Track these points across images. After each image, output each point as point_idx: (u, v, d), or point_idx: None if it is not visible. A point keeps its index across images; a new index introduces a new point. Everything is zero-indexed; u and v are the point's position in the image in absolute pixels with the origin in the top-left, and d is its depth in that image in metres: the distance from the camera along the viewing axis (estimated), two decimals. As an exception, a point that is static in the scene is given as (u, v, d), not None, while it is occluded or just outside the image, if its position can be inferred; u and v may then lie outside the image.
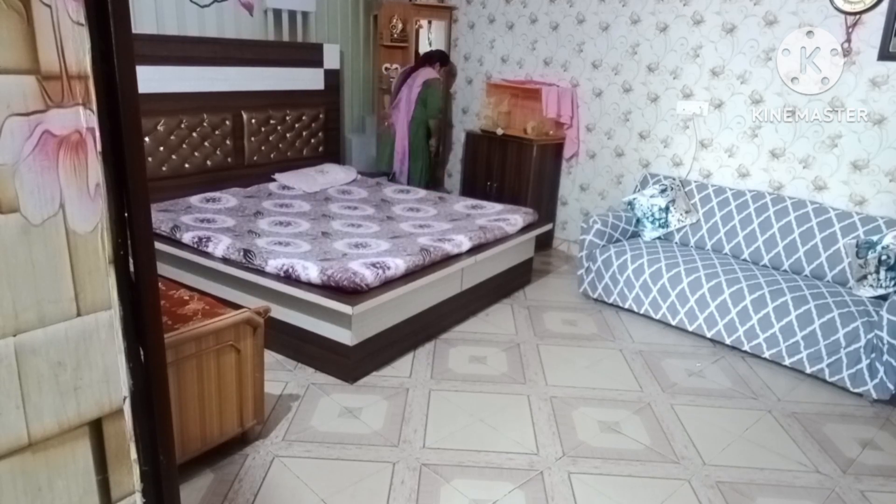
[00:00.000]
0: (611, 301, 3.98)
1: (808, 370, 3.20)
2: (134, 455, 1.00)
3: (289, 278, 2.99)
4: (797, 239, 3.67)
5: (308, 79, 4.94)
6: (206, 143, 4.31)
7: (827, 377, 3.15)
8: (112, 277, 0.92)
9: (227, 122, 4.43)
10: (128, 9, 0.89)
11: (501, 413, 2.81)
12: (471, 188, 5.27)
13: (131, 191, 0.91)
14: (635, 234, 4.23)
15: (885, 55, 3.44)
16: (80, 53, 0.84)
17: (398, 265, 3.07)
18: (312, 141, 5.08)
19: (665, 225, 4.14)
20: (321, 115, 5.08)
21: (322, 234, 3.62)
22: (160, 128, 4.01)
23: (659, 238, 4.18)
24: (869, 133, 3.58)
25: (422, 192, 4.72)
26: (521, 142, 4.88)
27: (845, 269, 3.47)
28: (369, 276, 2.89)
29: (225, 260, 3.21)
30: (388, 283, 3.01)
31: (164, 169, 4.09)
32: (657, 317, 3.78)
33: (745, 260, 3.84)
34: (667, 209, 4.11)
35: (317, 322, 2.97)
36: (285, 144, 4.88)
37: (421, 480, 2.34)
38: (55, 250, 0.86)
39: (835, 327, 3.07)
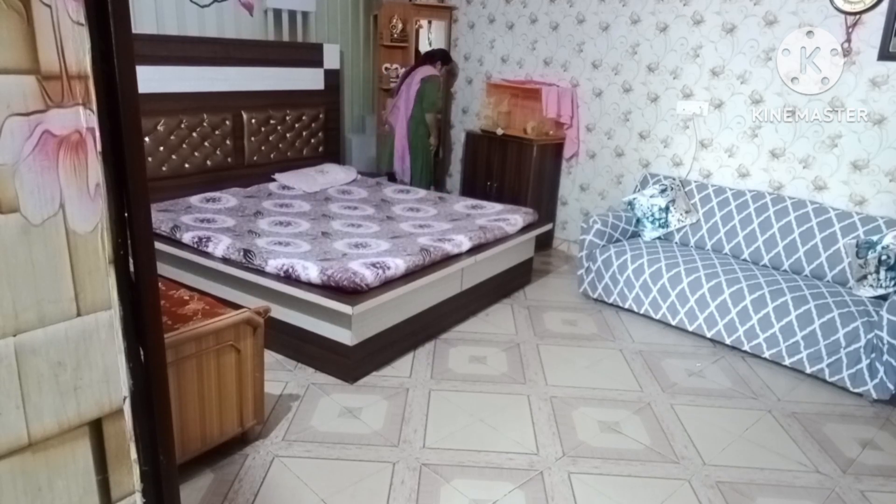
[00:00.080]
0: (611, 301, 3.98)
1: (808, 370, 3.20)
2: (134, 455, 1.00)
3: (289, 278, 2.99)
4: (797, 239, 3.67)
5: (308, 79, 4.94)
6: (206, 143, 4.31)
7: (827, 377, 3.15)
8: (112, 277, 0.92)
9: (227, 122, 4.43)
10: (128, 9, 0.89)
11: (501, 413, 2.81)
12: (471, 188, 5.27)
13: (131, 191, 0.92)
14: (635, 234, 4.23)
15: (885, 55, 3.44)
16: (80, 53, 0.84)
17: (398, 265, 3.07)
18: (312, 141, 5.08)
19: (665, 225, 4.14)
20: (321, 115, 5.08)
21: (322, 234, 3.62)
22: (160, 128, 4.01)
23: (659, 238, 4.18)
24: (869, 133, 3.58)
25: (422, 192, 4.73)
26: (521, 142, 4.88)
27: (845, 269, 3.47)
28: (369, 276, 2.89)
29: (225, 260, 3.21)
30: (388, 283, 3.01)
31: (164, 169, 4.09)
32: (657, 317, 3.78)
33: (745, 260, 3.84)
34: (667, 209, 4.11)
35: (317, 322, 2.97)
36: (285, 144, 4.88)
37: (421, 480, 2.34)
38: (55, 250, 0.86)
39: (835, 327, 3.07)
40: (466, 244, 3.54)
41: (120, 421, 0.97)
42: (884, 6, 3.40)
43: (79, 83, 0.84)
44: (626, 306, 3.91)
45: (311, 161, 5.04)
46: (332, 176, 4.85)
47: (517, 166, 4.91)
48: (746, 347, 3.41)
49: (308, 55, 4.94)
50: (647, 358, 3.41)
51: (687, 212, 4.11)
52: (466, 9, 5.54)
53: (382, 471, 2.38)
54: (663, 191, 4.14)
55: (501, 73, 5.37)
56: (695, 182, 4.22)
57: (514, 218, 4.05)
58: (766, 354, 3.35)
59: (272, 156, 4.80)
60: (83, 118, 0.85)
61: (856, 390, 3.07)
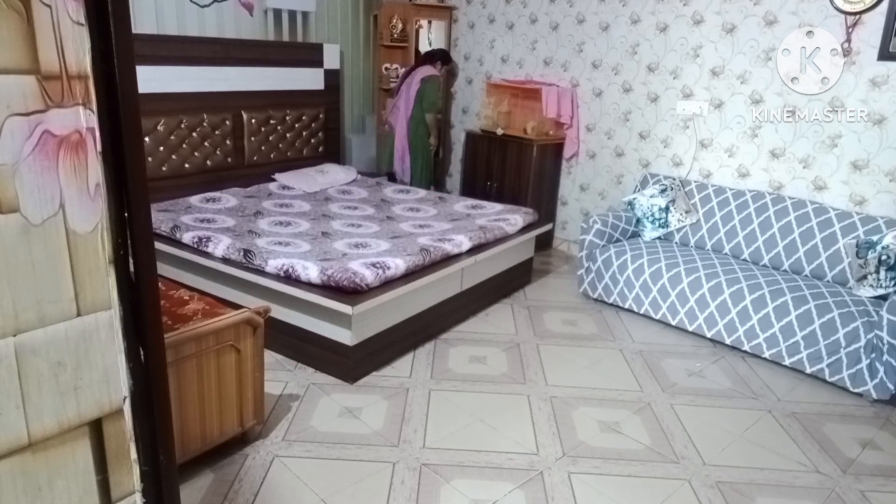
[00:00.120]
0: (611, 301, 3.98)
1: (808, 370, 3.20)
2: (134, 455, 1.00)
3: (289, 278, 2.99)
4: (797, 239, 3.67)
5: (308, 79, 4.94)
6: (206, 143, 4.31)
7: (827, 377, 3.15)
8: (112, 277, 0.92)
9: (227, 122, 4.43)
10: (128, 9, 0.89)
11: (501, 413, 2.81)
12: (471, 188, 5.27)
13: (131, 191, 0.92)
14: (635, 234, 4.23)
15: (885, 55, 3.44)
16: (80, 53, 0.84)
17: (398, 265, 3.07)
18: (312, 141, 5.08)
19: (665, 225, 4.14)
20: (321, 115, 5.08)
21: (322, 234, 3.62)
22: (160, 128, 4.01)
23: (659, 238, 4.18)
24: (869, 133, 3.58)
25: (422, 192, 4.73)
26: (521, 142, 4.88)
27: (845, 269, 3.47)
28: (369, 276, 2.89)
29: (225, 260, 3.21)
30: (388, 283, 3.01)
31: (164, 169, 4.09)
32: (657, 317, 3.78)
33: (745, 260, 3.84)
34: (667, 209, 4.11)
35: (317, 322, 2.97)
36: (285, 144, 4.88)
37: (421, 480, 2.34)
38: (55, 250, 0.86)
39: (835, 327, 3.07)
40: (466, 244, 3.54)
41: (120, 421, 0.97)
42: (884, 6, 3.40)
43: (79, 83, 0.84)
44: (626, 306, 3.91)
45: (311, 161, 5.04)
46: (332, 176, 4.85)
47: (517, 166, 4.91)
48: (746, 347, 3.41)
49: (308, 55, 4.94)
50: (647, 358, 3.41)
51: (687, 212, 4.11)
52: (466, 9, 5.54)
53: (382, 471, 2.38)
54: (663, 191, 4.14)
55: (501, 73, 5.37)
56: (695, 182, 4.22)
57: (514, 218, 4.05)
58: (766, 354, 3.35)
59: (272, 156, 4.80)
60: (83, 118, 0.85)
61: (856, 390, 3.07)
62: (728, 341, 3.49)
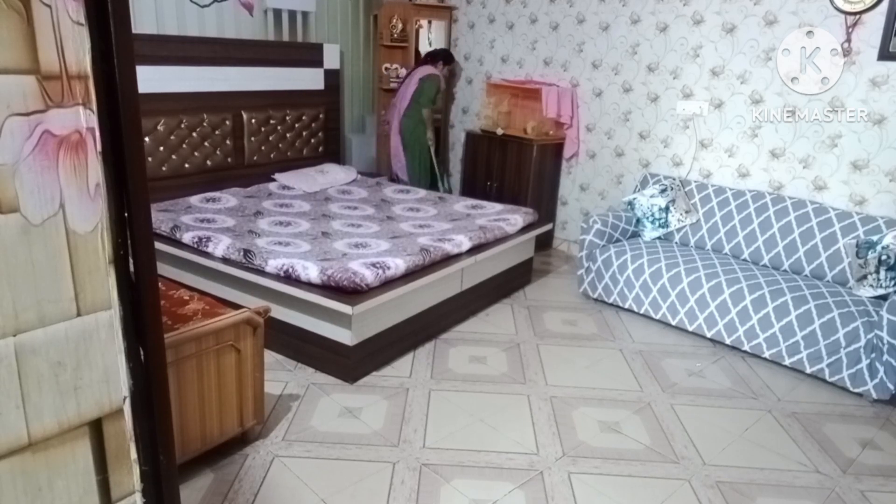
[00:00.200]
0: (611, 301, 3.98)
1: (808, 370, 3.20)
2: (134, 455, 1.00)
3: (289, 278, 2.99)
4: (797, 239, 3.67)
5: (308, 79, 4.94)
6: (206, 143, 4.32)
7: (827, 377, 3.15)
8: (112, 277, 0.92)
9: (227, 122, 4.43)
10: (128, 9, 0.89)
11: (501, 413, 2.81)
12: (471, 188, 5.27)
13: (131, 191, 0.91)
14: (635, 234, 4.23)
15: (885, 55, 3.44)
16: (80, 53, 0.84)
17: (398, 265, 3.07)
18: (312, 141, 5.08)
19: (665, 225, 4.14)
20: (321, 115, 5.08)
21: (322, 233, 3.62)
22: (160, 128, 4.01)
23: (659, 238, 4.18)
24: (869, 133, 3.58)
25: (422, 192, 4.73)
26: (521, 142, 4.88)
27: (845, 269, 3.47)
28: (369, 276, 2.89)
29: (225, 260, 3.21)
30: (388, 283, 3.01)
31: (164, 169, 4.09)
32: (657, 317, 3.78)
33: (745, 260, 3.84)
34: (667, 209, 4.11)
35: (317, 322, 2.97)
36: (285, 144, 4.88)
37: (421, 480, 2.34)
38: (55, 250, 0.86)
39: (835, 327, 3.07)
40: (466, 244, 3.54)
41: (120, 421, 0.97)
42: (884, 6, 3.40)
43: (79, 83, 0.84)
44: (626, 306, 3.91)
45: (311, 161, 5.04)
46: (332, 176, 4.85)
47: (517, 166, 4.92)
48: (746, 347, 3.41)
49: (308, 55, 4.94)
50: (647, 358, 3.41)
51: (687, 212, 4.11)
52: (466, 9, 5.54)
53: (382, 471, 2.38)
54: (663, 191, 4.14)
55: (501, 73, 5.37)
56: (695, 182, 4.22)
57: (514, 218, 4.05)
58: (766, 354, 3.35)
59: (272, 156, 4.80)
60: (83, 118, 0.85)
61: (856, 390, 3.07)
62: (728, 341, 3.49)
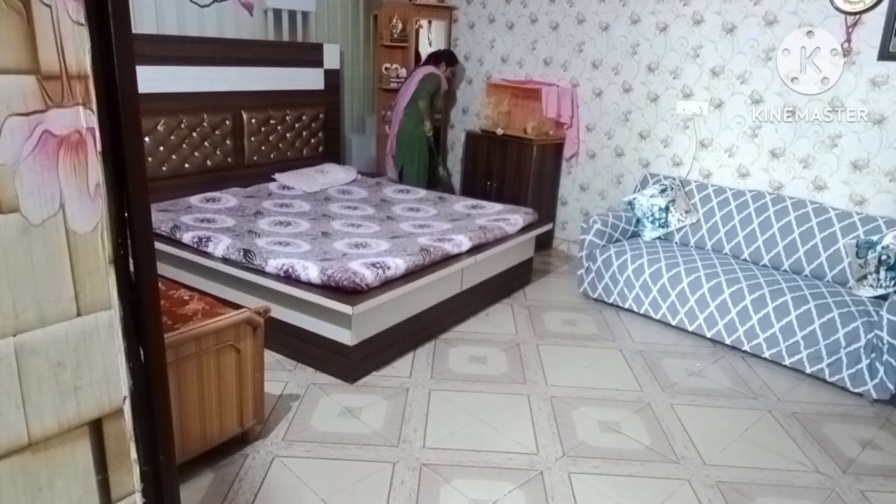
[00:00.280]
0: (611, 301, 3.98)
1: (808, 370, 3.20)
2: (134, 455, 1.00)
3: (289, 278, 2.99)
4: (797, 239, 3.67)
5: (308, 79, 4.94)
6: (206, 143, 4.32)
7: (827, 377, 3.15)
8: (112, 277, 0.92)
9: (227, 122, 4.43)
10: (128, 9, 0.89)
11: (501, 413, 2.81)
12: (471, 188, 5.27)
13: (131, 191, 0.91)
14: (635, 234, 4.23)
15: (885, 55, 3.44)
16: (80, 53, 0.84)
17: (398, 265, 3.07)
18: (312, 141, 5.09)
19: (665, 225, 4.14)
20: (321, 115, 5.08)
21: (322, 233, 3.62)
22: (160, 128, 4.01)
23: (659, 238, 4.18)
24: (869, 133, 3.58)
25: (422, 192, 4.73)
26: (521, 142, 4.88)
27: (845, 269, 3.47)
28: (369, 276, 2.89)
29: (225, 260, 3.21)
30: (388, 283, 3.01)
31: (164, 169, 4.09)
32: (657, 317, 3.78)
33: (745, 260, 3.84)
34: (667, 209, 4.11)
35: (317, 322, 2.97)
36: (285, 144, 4.88)
37: (421, 480, 2.34)
38: (55, 250, 0.86)
39: (835, 327, 3.07)
40: (466, 244, 3.54)
41: (120, 421, 0.97)
42: (884, 6, 3.40)
43: (79, 83, 0.84)
44: (626, 306, 3.91)
45: (311, 161, 5.04)
46: (332, 176, 4.85)
47: (517, 166, 4.92)
48: (746, 347, 3.41)
49: (308, 55, 4.94)
50: (647, 358, 3.41)
51: (687, 212, 4.11)
52: (466, 9, 5.54)
53: (382, 471, 2.38)
54: (663, 191, 4.14)
55: (501, 73, 5.37)
56: (695, 182, 4.22)
57: (514, 218, 4.05)
58: (766, 354, 3.35)
59: (272, 156, 4.80)
60: (83, 118, 0.85)
61: (856, 390, 3.07)
62: (728, 341, 3.49)
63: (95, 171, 0.88)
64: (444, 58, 5.19)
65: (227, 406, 2.31)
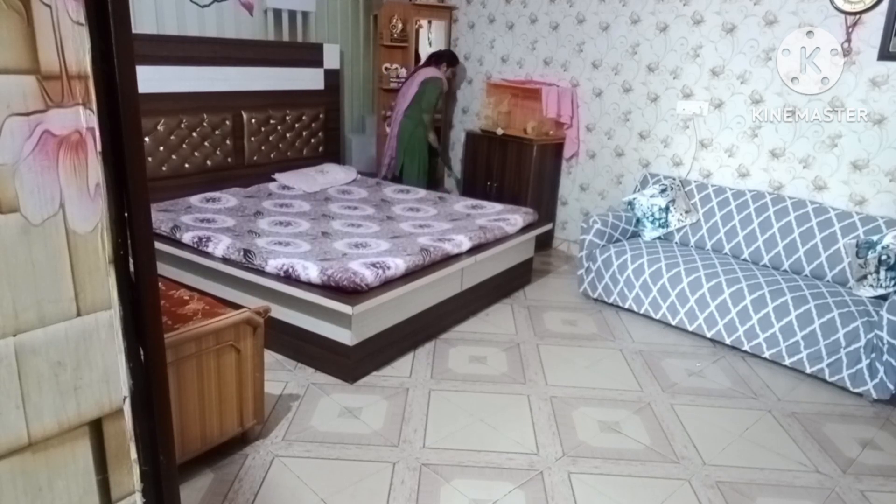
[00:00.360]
0: (611, 301, 3.98)
1: (808, 370, 3.20)
2: (134, 455, 1.00)
3: (289, 278, 2.99)
4: (797, 239, 3.67)
5: (308, 79, 4.94)
6: (206, 143, 4.32)
7: (827, 377, 3.15)
8: (112, 277, 0.92)
9: (227, 122, 4.43)
10: (128, 9, 0.89)
11: (501, 413, 2.81)
12: (471, 188, 5.27)
13: (131, 191, 0.91)
14: (635, 234, 4.23)
15: (885, 55, 3.44)
16: (80, 53, 0.84)
17: (398, 265, 3.07)
18: (312, 141, 5.09)
19: (665, 225, 4.14)
20: (321, 115, 5.08)
21: (322, 233, 3.62)
22: (160, 128, 4.01)
23: (659, 238, 4.18)
24: (869, 133, 3.58)
25: (422, 192, 4.73)
26: (521, 142, 4.88)
27: (845, 269, 3.47)
28: (369, 276, 2.89)
29: (225, 260, 3.21)
30: (388, 283, 3.01)
31: (164, 169, 4.09)
32: (657, 317, 3.78)
33: (745, 260, 3.84)
34: (667, 209, 4.11)
35: (317, 322, 2.97)
36: (285, 144, 4.88)
37: (421, 480, 2.34)
38: (55, 250, 0.86)
39: (835, 327, 3.07)
40: (466, 244, 3.54)
41: (120, 421, 0.97)
42: (884, 6, 3.40)
43: (79, 83, 0.84)
44: (626, 306, 3.91)
45: (311, 161, 5.04)
46: (332, 176, 4.85)
47: (517, 166, 4.91)
48: (746, 347, 3.41)
49: (308, 55, 4.94)
50: (647, 358, 3.41)
51: (687, 212, 4.11)
52: (466, 9, 5.54)
53: (382, 471, 2.38)
54: (663, 191, 4.14)
55: (501, 73, 5.37)
56: (695, 182, 4.22)
57: (514, 218, 4.05)
58: (766, 354, 3.35)
59: (272, 156, 4.80)
60: (83, 118, 0.85)
61: (856, 390, 3.07)
62: (728, 341, 3.49)
63: (95, 171, 0.88)
64: (445, 58, 5.19)
65: (227, 406, 2.31)
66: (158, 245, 3.35)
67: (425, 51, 5.57)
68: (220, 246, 3.24)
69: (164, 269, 3.42)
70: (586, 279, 4.08)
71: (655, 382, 3.16)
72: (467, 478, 2.37)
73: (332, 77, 5.13)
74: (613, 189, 4.84)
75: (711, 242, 4.02)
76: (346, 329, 2.88)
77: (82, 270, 0.89)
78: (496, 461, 2.47)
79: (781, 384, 3.21)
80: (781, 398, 3.08)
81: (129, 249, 0.93)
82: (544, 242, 4.96)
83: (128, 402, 0.98)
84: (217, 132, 4.37)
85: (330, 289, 2.88)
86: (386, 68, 5.65)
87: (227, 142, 4.45)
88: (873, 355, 2.98)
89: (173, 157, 4.14)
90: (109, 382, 0.95)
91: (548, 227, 4.54)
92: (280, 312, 3.01)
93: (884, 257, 3.25)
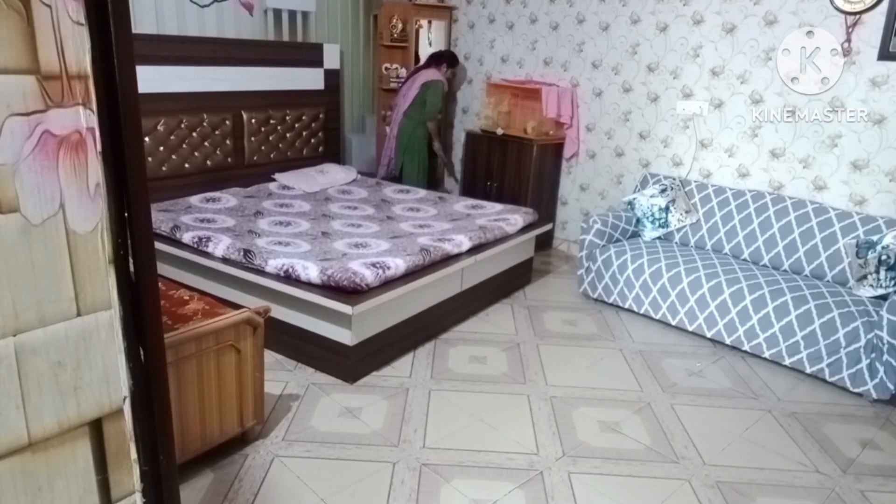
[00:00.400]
0: (611, 301, 3.98)
1: (808, 370, 3.20)
2: (134, 455, 1.00)
3: (289, 278, 2.99)
4: (797, 239, 3.67)
5: (308, 79, 4.94)
6: (206, 143, 4.31)
7: (827, 377, 3.15)
8: (112, 277, 0.92)
9: (227, 122, 4.43)
10: (128, 9, 0.89)
11: (501, 413, 2.81)
12: (471, 188, 5.27)
13: (131, 191, 0.91)
14: (635, 234, 4.23)
15: (885, 55, 3.44)
16: (80, 53, 0.84)
17: (398, 265, 3.07)
18: (312, 141, 5.08)
19: (665, 225, 4.14)
20: (321, 115, 5.08)
21: (322, 233, 3.62)
22: (160, 128, 4.01)
23: (659, 238, 4.18)
24: (869, 133, 3.58)
25: (422, 192, 4.72)
26: (521, 142, 4.88)
27: (845, 269, 3.47)
28: (369, 276, 2.89)
29: (225, 260, 3.21)
30: (388, 283, 3.01)
31: (164, 169, 4.09)
32: (657, 317, 3.78)
33: (745, 260, 3.84)
34: (667, 209, 4.11)
35: (317, 322, 2.97)
36: (285, 144, 4.88)
37: (421, 480, 2.34)
38: (55, 250, 0.86)
39: (835, 327, 3.07)
40: (466, 244, 3.54)
41: (120, 421, 0.97)
42: (884, 6, 3.40)
43: (79, 83, 0.84)
44: (626, 306, 3.91)
45: (311, 161, 5.04)
46: (332, 176, 4.85)
47: (517, 166, 4.92)
48: (746, 347, 3.41)
49: (308, 55, 4.94)
50: (647, 358, 3.41)
51: (687, 212, 4.11)
52: (466, 9, 5.54)
53: (382, 471, 2.38)
54: (663, 191, 4.14)
55: (501, 73, 5.37)
56: (695, 182, 4.22)
57: (514, 218, 4.05)
58: (766, 354, 3.35)
59: (272, 156, 4.80)
60: (83, 118, 0.85)
61: (856, 390, 3.07)
62: (728, 341, 3.49)
63: (95, 171, 0.88)
64: (445, 59, 5.18)
65: (227, 406, 2.31)
66: (158, 245, 3.35)
67: (425, 51, 5.57)
68: (220, 246, 3.24)
69: (164, 269, 3.42)
70: (586, 279, 4.08)
71: (655, 382, 3.16)
72: (467, 478, 2.37)
73: (332, 77, 5.13)
74: (613, 189, 4.84)
75: (711, 242, 4.02)
76: (346, 329, 2.88)
77: (82, 270, 0.89)
78: (496, 461, 2.47)
79: (781, 384, 3.21)
80: (781, 398, 3.08)
81: (129, 249, 0.93)
82: (544, 242, 4.96)
83: (128, 402, 0.98)
84: (217, 132, 4.37)
85: (330, 289, 2.88)
86: (386, 68, 5.65)
87: (227, 142, 4.45)
88: (873, 355, 2.98)
89: (173, 157, 4.14)
90: (109, 382, 0.95)
91: (548, 227, 4.54)
92: (280, 312, 3.01)
93: (884, 257, 3.25)
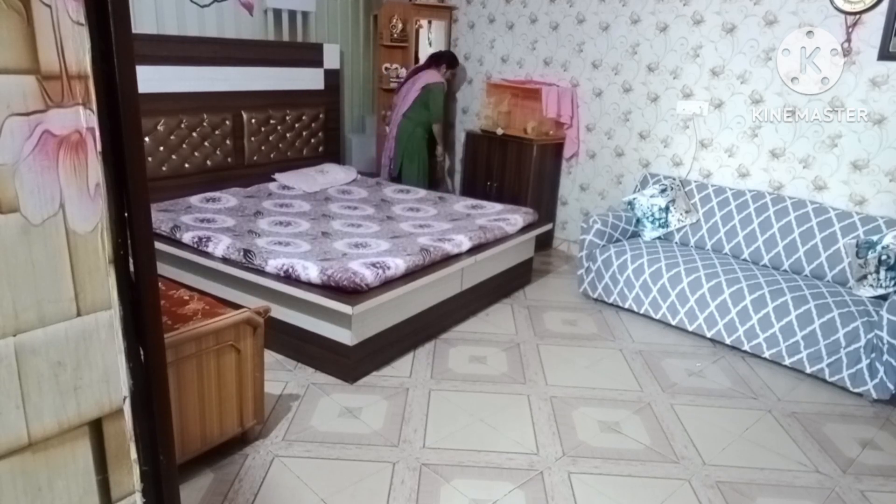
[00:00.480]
0: (611, 301, 3.98)
1: (808, 370, 3.20)
2: (134, 455, 1.00)
3: (289, 278, 2.99)
4: (797, 239, 3.67)
5: (308, 79, 4.94)
6: (206, 143, 4.32)
7: (827, 377, 3.15)
8: (112, 277, 0.92)
9: (227, 122, 4.43)
10: (128, 9, 0.89)
11: (501, 413, 2.81)
12: (471, 188, 5.27)
13: (131, 191, 0.91)
14: (635, 234, 4.23)
15: (885, 55, 3.44)
16: (80, 53, 0.84)
17: (398, 265, 3.07)
18: (312, 141, 5.09)
19: (665, 225, 4.14)
20: (321, 115, 5.08)
21: (322, 233, 3.62)
22: (160, 128, 4.01)
23: (659, 238, 4.18)
24: (869, 133, 3.58)
25: (422, 192, 4.72)
26: (521, 142, 4.88)
27: (845, 269, 3.47)
28: (369, 276, 2.89)
29: (225, 260, 3.21)
30: (388, 283, 3.01)
31: (164, 169, 4.09)
32: (657, 317, 3.78)
33: (745, 260, 3.84)
34: (667, 209, 4.11)
35: (317, 322, 2.97)
36: (285, 144, 4.88)
37: (421, 480, 2.34)
38: (55, 250, 0.86)
39: (835, 327, 3.07)
40: (466, 244, 3.54)
41: (120, 421, 0.97)
42: (884, 6, 3.40)
43: (79, 83, 0.84)
44: (626, 306, 3.91)
45: (311, 161, 5.04)
46: (332, 176, 4.85)
47: (517, 166, 4.92)
48: (746, 347, 3.41)
49: (308, 55, 4.94)
50: (647, 358, 3.41)
51: (687, 212, 4.11)
52: (466, 9, 5.54)
53: (382, 471, 2.38)
54: (663, 191, 4.14)
55: (501, 73, 5.37)
56: (695, 182, 4.22)
57: (514, 218, 4.05)
58: (766, 354, 3.35)
59: (272, 156, 4.80)
60: (83, 118, 0.85)
61: (856, 390, 3.07)
62: (728, 341, 3.49)
63: (95, 171, 0.88)
64: (445, 59, 5.18)
65: (227, 406, 2.31)
66: (158, 245, 3.35)
67: (425, 51, 5.57)
68: (220, 246, 3.24)
69: (164, 269, 3.42)
70: (586, 279, 4.08)
71: (655, 382, 3.16)
72: (467, 478, 2.37)
73: (332, 77, 5.13)
74: (613, 189, 4.84)
75: (711, 242, 4.02)
76: (346, 329, 2.88)
77: (82, 270, 0.89)
78: (496, 461, 2.47)
79: (781, 384, 3.21)
80: (781, 398, 3.08)
81: (129, 249, 0.93)
82: (544, 242, 4.96)
83: (128, 402, 0.98)
84: (217, 132, 4.37)
85: (330, 289, 2.88)
86: (386, 68, 5.65)
87: (227, 142, 4.46)
88: (873, 355, 2.98)
89: (173, 157, 4.14)
90: (109, 382, 0.95)
91: (548, 227, 4.54)
92: (280, 312, 3.01)
93: (884, 257, 3.25)
